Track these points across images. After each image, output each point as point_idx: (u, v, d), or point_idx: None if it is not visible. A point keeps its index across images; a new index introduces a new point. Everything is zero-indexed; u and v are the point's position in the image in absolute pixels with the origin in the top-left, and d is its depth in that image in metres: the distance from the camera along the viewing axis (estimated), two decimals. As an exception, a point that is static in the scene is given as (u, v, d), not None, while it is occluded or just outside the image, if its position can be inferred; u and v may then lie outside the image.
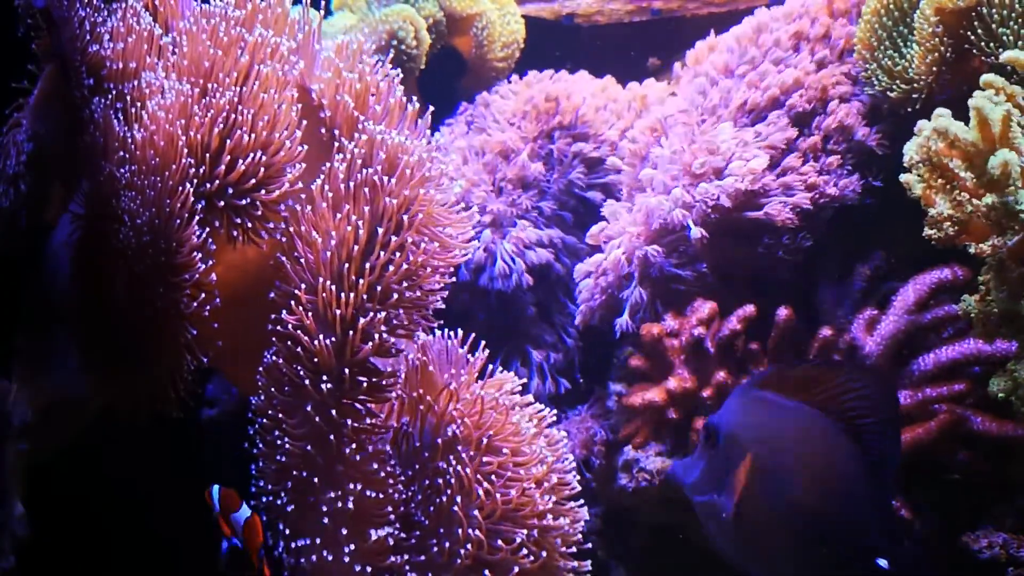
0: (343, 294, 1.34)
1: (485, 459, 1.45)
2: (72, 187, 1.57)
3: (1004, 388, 1.40)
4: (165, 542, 1.63)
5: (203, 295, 1.37)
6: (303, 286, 1.37)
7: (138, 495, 1.61)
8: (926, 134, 1.34)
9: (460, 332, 1.57)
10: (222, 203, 1.38)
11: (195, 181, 1.36)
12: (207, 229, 1.37)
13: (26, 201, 1.58)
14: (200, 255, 1.36)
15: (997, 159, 1.24)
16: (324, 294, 1.34)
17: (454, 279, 1.49)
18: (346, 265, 1.35)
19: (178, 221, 1.34)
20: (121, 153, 1.39)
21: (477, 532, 1.41)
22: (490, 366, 1.57)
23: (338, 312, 1.34)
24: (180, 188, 1.34)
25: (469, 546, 1.41)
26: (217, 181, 1.37)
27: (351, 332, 1.34)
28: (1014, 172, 1.25)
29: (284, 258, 1.41)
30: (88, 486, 1.58)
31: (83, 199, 1.53)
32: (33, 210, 1.59)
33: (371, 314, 1.35)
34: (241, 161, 1.37)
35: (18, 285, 1.59)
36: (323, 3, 1.58)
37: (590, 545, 1.53)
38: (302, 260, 1.38)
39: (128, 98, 1.43)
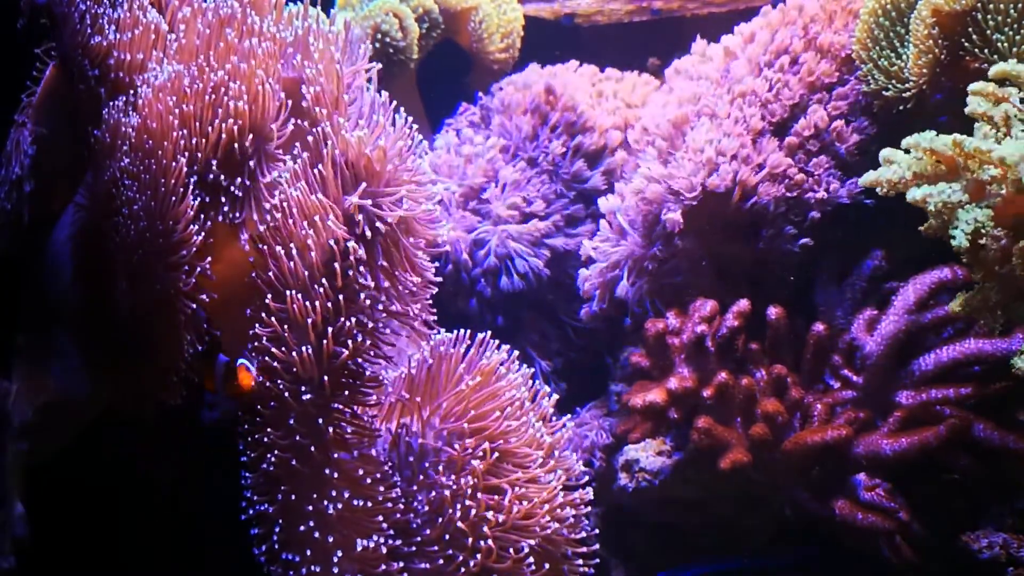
0: (308, 302, 1.33)
1: (491, 465, 1.44)
2: (75, 183, 1.57)
3: None
4: (166, 542, 1.64)
5: (202, 268, 1.37)
6: (271, 295, 1.36)
7: (139, 494, 1.61)
8: (915, 155, 1.35)
9: (466, 332, 1.56)
10: (214, 181, 1.38)
11: (186, 154, 1.34)
12: (200, 199, 1.36)
13: (29, 202, 1.58)
14: (196, 227, 1.35)
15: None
16: (295, 305, 1.34)
17: (439, 279, 1.49)
18: (307, 272, 1.34)
19: (173, 198, 1.33)
20: (120, 143, 1.38)
21: (487, 542, 1.40)
22: (500, 366, 1.56)
23: (309, 320, 1.33)
24: (173, 164, 1.33)
25: (479, 556, 1.40)
26: (214, 163, 1.37)
27: (324, 340, 1.34)
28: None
29: (255, 273, 1.40)
30: (88, 486, 1.58)
31: (85, 194, 1.54)
32: (35, 211, 1.59)
33: (342, 320, 1.34)
34: (234, 142, 1.36)
35: (19, 285, 1.59)
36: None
37: (596, 547, 1.54)
38: (271, 272, 1.37)
39: (133, 90, 1.42)
